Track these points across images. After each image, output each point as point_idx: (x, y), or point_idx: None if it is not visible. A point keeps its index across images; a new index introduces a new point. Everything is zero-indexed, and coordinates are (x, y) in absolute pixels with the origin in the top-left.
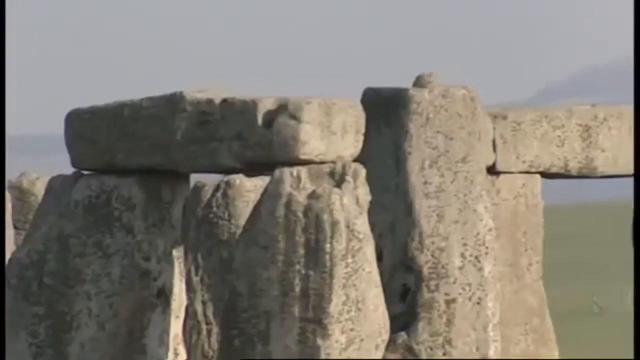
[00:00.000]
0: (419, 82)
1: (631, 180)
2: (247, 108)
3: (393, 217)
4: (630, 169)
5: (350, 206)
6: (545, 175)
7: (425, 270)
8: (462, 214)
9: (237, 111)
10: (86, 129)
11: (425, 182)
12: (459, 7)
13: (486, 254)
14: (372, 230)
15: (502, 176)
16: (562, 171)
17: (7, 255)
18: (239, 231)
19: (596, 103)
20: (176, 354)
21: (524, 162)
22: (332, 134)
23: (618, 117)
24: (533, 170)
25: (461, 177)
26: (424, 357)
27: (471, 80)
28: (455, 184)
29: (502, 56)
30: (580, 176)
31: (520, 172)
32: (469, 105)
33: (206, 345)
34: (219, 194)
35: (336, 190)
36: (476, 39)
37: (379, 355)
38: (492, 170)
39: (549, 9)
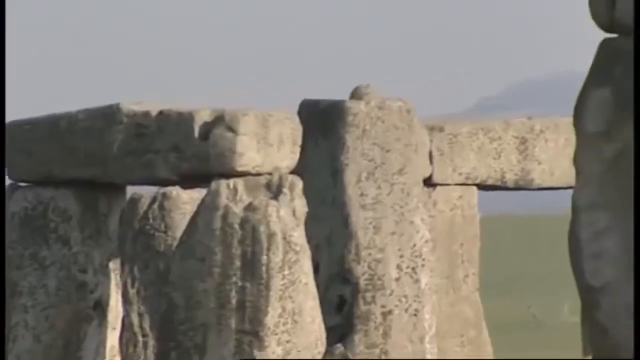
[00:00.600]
0: (355, 94)
1: (567, 192)
2: (184, 120)
3: (330, 229)
4: (566, 181)
5: (287, 218)
6: (482, 187)
7: (362, 282)
8: (399, 225)
9: (173, 123)
10: (23, 140)
11: (362, 194)
12: (398, 19)
13: (423, 265)
14: (309, 242)
15: (438, 188)
16: (499, 183)
17: None
18: (175, 243)
19: (533, 115)
20: None
21: (460, 174)
22: (268, 146)
23: (554, 129)
24: (470, 182)
25: (398, 189)
26: None
27: (408, 92)
28: (391, 196)
29: (438, 68)
30: (516, 188)
31: (457, 184)
32: (405, 117)
33: (142, 358)
34: (155, 206)
35: (273, 202)
36: (412, 51)
37: None
38: (428, 182)
39: (486, 21)
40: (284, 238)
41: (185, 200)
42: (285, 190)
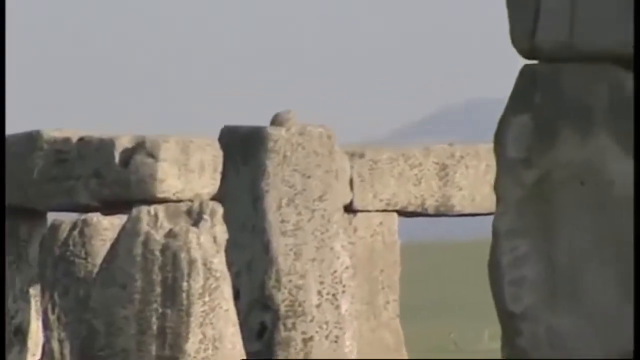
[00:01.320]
0: (276, 121)
1: (488, 218)
2: (104, 146)
3: (250, 255)
4: (487, 207)
5: (208, 244)
6: (402, 213)
7: (282, 309)
8: (320, 252)
9: (94, 149)
10: None
11: (283, 221)
12: (312, 46)
13: (343, 292)
14: (230, 268)
15: (359, 214)
16: (419, 209)
17: None
18: (96, 269)
19: (453, 141)
20: None
21: (381, 200)
22: (189, 172)
23: (475, 155)
24: (390, 208)
25: (318, 215)
26: None
27: (328, 119)
28: (312, 222)
29: (359, 95)
30: (437, 214)
31: (378, 211)
32: (326, 144)
33: None
34: (76, 232)
35: (193, 228)
36: (333, 77)
37: None
38: (349, 209)
39: (405, 48)
40: (205, 264)
41: (106, 227)
42: (206, 216)
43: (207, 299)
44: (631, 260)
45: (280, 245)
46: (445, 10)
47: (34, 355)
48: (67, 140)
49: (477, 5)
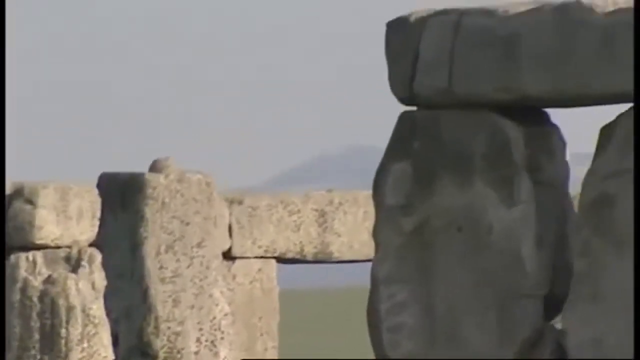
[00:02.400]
0: (155, 167)
1: (366, 265)
2: None
3: (129, 301)
4: (365, 253)
5: (86, 291)
6: (281, 260)
7: (161, 355)
8: (198, 298)
9: None
10: None
11: (161, 267)
12: (191, 93)
13: (222, 338)
14: (108, 315)
15: (238, 261)
16: (298, 256)
17: None
18: None
19: (332, 188)
20: None
21: (259, 247)
22: (68, 219)
23: (353, 202)
24: (269, 255)
25: (197, 262)
26: None
27: (207, 165)
28: (191, 269)
29: (238, 141)
30: (316, 261)
31: (256, 257)
32: (204, 190)
33: None
34: None
35: (72, 275)
36: (212, 124)
37: None
38: (228, 255)
39: (283, 94)
40: (83, 311)
41: None
42: (84, 263)
43: (85, 345)
44: (509, 305)
45: (159, 292)
46: (325, 57)
47: None
48: None
49: (356, 52)
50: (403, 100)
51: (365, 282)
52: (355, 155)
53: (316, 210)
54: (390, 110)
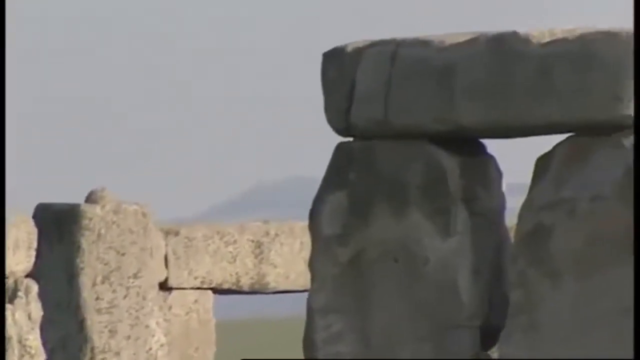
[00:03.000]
0: (91, 198)
1: (303, 295)
2: None
3: (65, 332)
4: (301, 284)
5: (22, 321)
6: (218, 291)
7: None
8: (134, 329)
9: None
10: None
11: (98, 298)
12: (126, 122)
13: None
14: (44, 345)
15: (174, 292)
16: (234, 287)
17: None
18: None
19: (268, 219)
20: None
21: (196, 278)
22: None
23: (290, 233)
24: (205, 286)
25: (133, 292)
26: None
27: (144, 196)
28: (127, 300)
29: (174, 172)
30: (252, 292)
31: (193, 288)
32: (140, 221)
33: None
34: None
35: (8, 305)
36: (147, 155)
37: None
38: (164, 286)
39: (220, 127)
40: (20, 342)
41: None
42: (20, 294)
43: None
44: (445, 336)
45: (95, 322)
46: (262, 86)
47: None
48: None
49: (293, 82)
50: (339, 131)
51: (302, 312)
52: (292, 186)
53: (252, 241)
54: (327, 140)
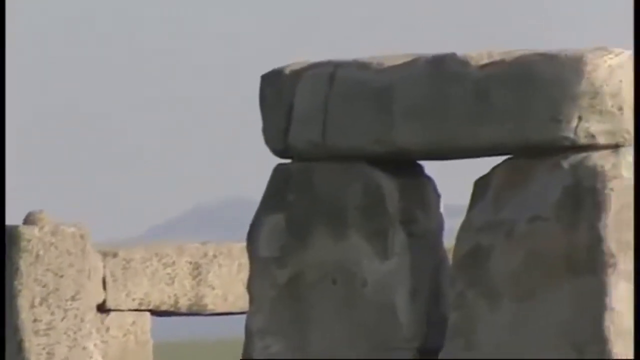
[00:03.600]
0: (29, 219)
1: (241, 317)
2: None
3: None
4: (240, 306)
5: None
6: (156, 312)
7: None
8: (72, 351)
9: None
10: None
11: (35, 320)
12: (66, 143)
13: None
14: None
15: (112, 314)
16: (172, 309)
17: None
18: None
19: (206, 241)
20: None
21: (134, 299)
22: None
23: (228, 254)
24: (143, 307)
25: (71, 314)
26: None
27: (82, 218)
28: (65, 322)
29: (112, 193)
30: (190, 313)
31: (130, 310)
32: (79, 243)
33: None
34: None
35: None
36: (86, 177)
37: None
38: (102, 308)
39: (158, 147)
40: None
41: None
42: None
43: None
44: (383, 357)
45: (33, 344)
46: (199, 108)
47: None
48: None
49: (231, 104)
50: (278, 153)
51: (240, 334)
52: (230, 207)
53: (190, 262)
54: (266, 162)
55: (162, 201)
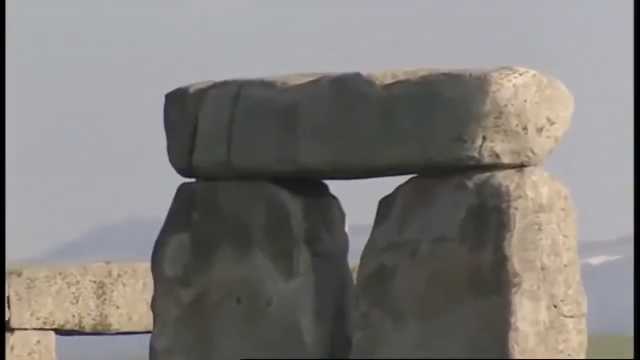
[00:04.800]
0: None
1: (146, 336)
2: None
3: None
4: (144, 325)
5: None
6: (60, 332)
7: None
8: None
9: None
10: None
11: None
12: None
13: None
14: None
15: (16, 332)
16: (77, 328)
17: None
18: None
19: (110, 260)
20: None
21: (38, 318)
22: None
23: (132, 273)
24: (47, 327)
25: None
26: None
27: None
28: None
29: (17, 212)
30: (94, 333)
31: (35, 329)
32: None
33: None
34: None
35: None
36: None
37: None
38: (6, 327)
39: (63, 165)
40: None
41: None
42: None
43: None
44: None
45: None
46: (103, 125)
47: None
48: None
49: (137, 122)
50: (182, 172)
51: (145, 354)
52: (135, 227)
53: (95, 282)
54: (171, 181)
55: (66, 220)
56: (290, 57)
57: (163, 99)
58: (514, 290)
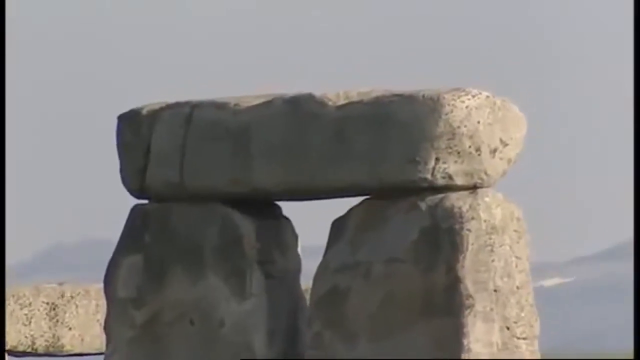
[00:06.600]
0: None
1: (98, 358)
2: None
3: None
4: (97, 346)
5: None
6: (13, 353)
7: None
8: None
9: None
10: None
11: None
12: None
13: None
14: None
15: None
16: (29, 349)
17: None
18: None
19: (63, 281)
20: None
21: None
22: None
23: (85, 295)
24: None
25: None
26: None
27: None
28: None
29: None
30: (47, 354)
31: None
32: None
33: None
34: None
35: None
36: None
37: None
38: None
39: (16, 184)
40: None
41: None
42: None
43: None
44: None
45: None
46: (57, 147)
47: None
48: None
49: (90, 143)
50: (135, 193)
51: None
52: (88, 248)
53: (47, 303)
54: (124, 202)
55: (18, 241)
56: (237, 79)
57: (115, 121)
58: (467, 312)
